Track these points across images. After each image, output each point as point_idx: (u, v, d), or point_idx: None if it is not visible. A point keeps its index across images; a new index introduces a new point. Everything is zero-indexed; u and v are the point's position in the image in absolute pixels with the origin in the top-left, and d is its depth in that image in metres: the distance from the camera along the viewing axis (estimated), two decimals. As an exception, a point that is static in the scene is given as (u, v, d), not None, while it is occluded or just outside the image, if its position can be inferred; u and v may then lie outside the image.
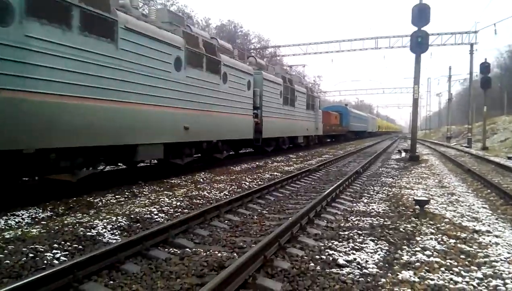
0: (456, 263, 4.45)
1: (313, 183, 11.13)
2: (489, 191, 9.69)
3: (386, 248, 5.01)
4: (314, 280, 3.93)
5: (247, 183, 10.43)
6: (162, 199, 7.81)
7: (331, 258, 4.55)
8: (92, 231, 5.47)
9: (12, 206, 6.74)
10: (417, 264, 4.43)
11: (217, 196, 8.54)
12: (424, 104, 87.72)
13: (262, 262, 4.30)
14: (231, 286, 3.61)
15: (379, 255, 4.73)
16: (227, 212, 7.03)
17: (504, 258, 4.65)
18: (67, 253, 4.63)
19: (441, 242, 5.26)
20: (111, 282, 3.90)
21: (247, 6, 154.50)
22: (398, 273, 4.14)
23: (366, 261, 4.49)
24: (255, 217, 6.91)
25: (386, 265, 4.42)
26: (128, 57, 8.79)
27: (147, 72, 9.46)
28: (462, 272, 4.18)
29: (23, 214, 6.37)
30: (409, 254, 4.78)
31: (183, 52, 10.96)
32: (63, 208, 7.00)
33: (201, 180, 10.87)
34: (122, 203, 7.61)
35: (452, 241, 5.33)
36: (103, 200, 7.76)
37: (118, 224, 5.88)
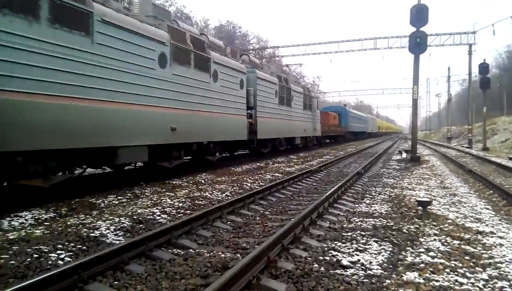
0: (460, 264, 4.45)
1: (314, 184, 11.13)
2: (491, 191, 9.68)
3: (390, 249, 5.01)
4: (318, 281, 3.93)
5: (249, 184, 10.42)
6: (164, 200, 7.81)
7: (335, 259, 4.55)
8: (95, 232, 5.47)
9: (15, 207, 6.73)
10: (422, 265, 4.42)
11: (219, 197, 8.54)
12: (423, 104, 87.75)
13: (265, 263, 4.29)
14: (236, 287, 3.61)
15: (383, 256, 4.73)
16: (229, 213, 7.03)
17: (509, 259, 4.64)
18: (71, 253, 4.64)
19: (445, 243, 5.25)
20: (116, 282, 3.90)
21: (246, 7, 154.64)
22: (403, 274, 4.13)
23: (370, 262, 4.48)
24: (258, 218, 6.90)
25: (391, 266, 4.41)
26: (105, 52, 8.19)
27: (128, 68, 8.85)
28: (467, 273, 4.17)
29: (26, 215, 6.36)
30: (413, 255, 4.78)
31: (168, 48, 10.34)
32: (65, 209, 6.99)
33: (203, 181, 10.86)
34: (124, 204, 7.61)
35: (456, 242, 5.32)
36: (105, 201, 7.76)
37: (121, 225, 5.88)
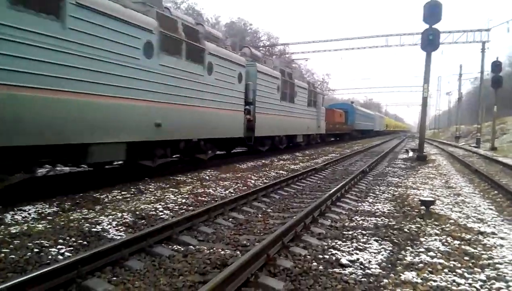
0: (459, 265, 4.43)
1: (318, 181, 11.12)
2: (496, 192, 9.61)
3: (390, 248, 5.00)
4: (316, 280, 3.94)
5: (253, 181, 10.44)
6: (167, 196, 7.85)
7: (334, 258, 4.56)
8: (97, 227, 5.52)
9: (19, 201, 6.81)
10: (420, 265, 4.42)
11: (222, 193, 8.56)
12: (433, 103, 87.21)
13: (265, 260, 4.31)
14: (233, 284, 3.63)
15: (382, 255, 4.73)
16: (231, 210, 7.05)
17: (509, 260, 4.62)
18: (71, 248, 4.68)
19: (445, 243, 5.23)
20: (115, 278, 3.93)
21: (257, 4, 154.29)
22: (401, 274, 4.13)
23: (369, 261, 4.49)
24: (260, 215, 6.91)
25: (389, 265, 4.41)
26: (79, 39, 7.37)
27: (105, 57, 8.03)
28: (465, 274, 4.16)
29: (29, 209, 6.43)
30: (412, 254, 4.77)
31: (156, 36, 9.47)
32: (69, 203, 7.06)
33: (207, 177, 10.90)
34: (128, 199, 7.66)
35: (456, 242, 5.30)
36: (109, 196, 7.82)
37: (123, 220, 5.92)
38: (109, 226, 5.62)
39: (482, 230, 5.93)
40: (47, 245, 4.65)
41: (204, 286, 3.31)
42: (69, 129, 7.33)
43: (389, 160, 18.95)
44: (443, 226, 6.11)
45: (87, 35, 7.57)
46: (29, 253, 4.36)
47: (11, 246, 4.56)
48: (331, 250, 4.87)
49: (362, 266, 4.35)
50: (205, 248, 4.90)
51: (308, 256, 4.62)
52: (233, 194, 8.43)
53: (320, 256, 4.62)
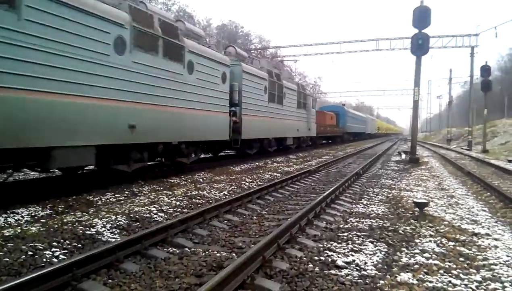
0: (455, 266, 4.45)
1: (312, 184, 11.13)
2: (488, 193, 9.68)
3: (385, 250, 5.01)
4: (312, 281, 3.93)
5: (247, 183, 10.43)
6: (161, 198, 7.82)
7: (330, 260, 4.55)
8: (92, 229, 5.48)
9: (12, 204, 6.74)
10: (416, 266, 4.43)
11: (216, 196, 8.54)
12: (424, 106, 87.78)
13: (261, 262, 4.30)
14: (229, 286, 3.61)
15: (378, 256, 4.73)
16: (226, 212, 7.03)
17: (503, 261, 4.65)
18: (66, 251, 4.64)
19: (440, 245, 5.26)
20: (110, 280, 3.90)
21: (249, 7, 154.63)
22: (397, 275, 4.14)
23: (365, 263, 4.49)
24: (255, 217, 6.91)
25: (385, 267, 4.42)
26: (37, 32, 6.72)
27: (69, 52, 7.35)
28: (461, 275, 4.18)
29: (22, 212, 6.37)
30: (408, 256, 4.79)
31: (128, 31, 8.81)
32: (62, 206, 7.00)
33: (201, 179, 10.87)
34: (122, 202, 7.61)
35: (451, 243, 5.33)
36: (103, 199, 7.77)
37: (118, 223, 5.89)
38: (103, 229, 5.58)
39: (476, 231, 5.97)
40: (41, 247, 4.60)
41: (200, 288, 3.29)
42: (28, 132, 6.68)
43: (382, 162, 19.04)
44: (438, 228, 6.14)
45: (46, 27, 6.91)
46: (23, 256, 4.31)
47: (4, 249, 4.51)
48: (327, 251, 4.87)
49: (358, 268, 4.35)
50: (201, 250, 4.88)
51: (304, 258, 4.62)
52: (227, 196, 8.41)
53: (316, 258, 4.61)
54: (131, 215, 6.34)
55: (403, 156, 21.23)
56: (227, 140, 14.19)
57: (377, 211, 7.39)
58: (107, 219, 6.01)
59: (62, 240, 4.92)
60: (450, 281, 4.00)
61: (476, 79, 37.45)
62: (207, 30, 49.56)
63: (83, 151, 7.85)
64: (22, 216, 6.17)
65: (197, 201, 7.90)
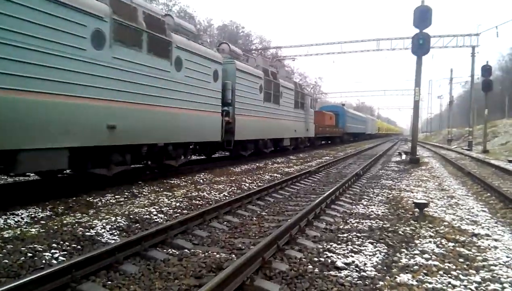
0: (454, 267, 4.45)
1: (313, 184, 11.13)
2: (489, 194, 9.68)
3: (385, 250, 5.01)
4: (312, 283, 3.93)
5: (247, 184, 10.43)
6: (161, 200, 7.82)
7: (329, 261, 4.55)
8: (91, 231, 5.48)
9: (12, 205, 6.74)
10: (416, 267, 4.43)
11: (216, 197, 8.54)
12: (425, 106, 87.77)
13: (260, 263, 4.30)
14: (229, 288, 3.61)
15: (377, 257, 4.73)
16: (226, 213, 7.03)
17: (503, 262, 4.65)
18: (65, 253, 4.64)
19: (439, 245, 5.26)
20: (109, 282, 3.90)
21: (249, 7, 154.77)
22: (396, 276, 4.14)
23: (365, 264, 4.49)
24: (254, 218, 6.90)
25: (385, 268, 4.41)
26: (1, 23, 6.14)
27: (37, 46, 6.71)
28: (461, 276, 4.18)
29: (22, 213, 6.37)
30: (407, 257, 4.78)
31: (108, 24, 8.20)
32: (62, 207, 7.00)
33: (201, 180, 10.87)
34: (122, 203, 7.61)
35: (451, 244, 5.33)
36: (103, 200, 7.77)
37: (117, 224, 5.89)
38: (103, 230, 5.58)
39: (476, 232, 5.96)
40: (41, 249, 4.61)
41: (199, 290, 3.30)
42: None
43: (383, 162, 19.03)
44: (437, 228, 6.13)
45: (11, 18, 6.30)
46: (22, 258, 4.31)
47: (4, 250, 4.51)
48: (327, 252, 4.87)
49: (357, 269, 4.35)
50: (200, 251, 4.88)
51: (304, 259, 4.62)
52: (227, 197, 8.41)
53: (316, 259, 4.61)
54: (131, 216, 6.34)
55: (404, 157, 21.22)
56: (219, 141, 13.62)
57: (377, 211, 7.38)
58: (106, 220, 6.01)
59: (61, 242, 4.93)
60: (449, 282, 4.00)
61: (477, 79, 37.44)
62: (208, 30, 49.64)
63: (54, 154, 7.18)
64: (21, 218, 6.17)
65: (197, 202, 7.90)
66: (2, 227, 5.63)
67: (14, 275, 3.93)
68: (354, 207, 7.90)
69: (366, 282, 3.98)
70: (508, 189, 10.21)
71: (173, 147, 11.10)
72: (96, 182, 9.10)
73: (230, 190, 9.44)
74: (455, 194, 9.72)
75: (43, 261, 4.30)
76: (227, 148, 14.75)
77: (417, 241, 5.44)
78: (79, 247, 4.89)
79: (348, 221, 6.61)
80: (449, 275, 4.19)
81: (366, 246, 5.17)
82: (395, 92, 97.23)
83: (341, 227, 6.23)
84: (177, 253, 4.87)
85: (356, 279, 4.06)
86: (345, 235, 5.70)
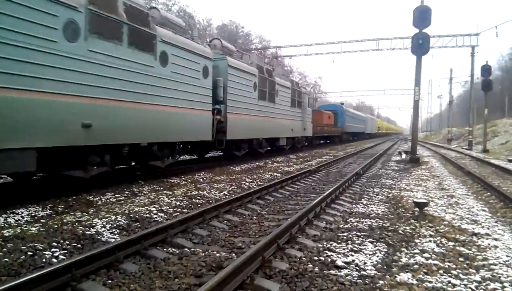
0: (454, 266, 4.45)
1: (312, 183, 11.13)
2: (489, 193, 9.68)
3: (385, 250, 5.01)
4: (312, 282, 3.93)
5: (247, 183, 10.43)
6: (161, 199, 7.82)
7: (329, 260, 4.55)
8: (91, 229, 5.48)
9: (12, 204, 6.74)
10: (416, 266, 4.43)
11: (216, 196, 8.54)
12: (425, 106, 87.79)
13: (260, 262, 4.30)
14: (229, 287, 3.61)
15: (377, 257, 4.73)
16: (226, 212, 7.03)
17: (503, 261, 4.65)
18: (65, 251, 4.64)
19: (439, 245, 5.26)
20: (109, 281, 3.90)
21: (249, 7, 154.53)
22: (396, 275, 4.14)
23: (365, 263, 4.49)
24: (254, 217, 6.91)
25: (385, 267, 4.42)
26: None
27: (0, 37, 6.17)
28: (461, 275, 4.18)
29: (22, 212, 6.38)
30: (407, 256, 4.78)
31: (83, 15, 7.61)
32: (62, 206, 7.01)
33: (201, 179, 10.87)
34: (122, 202, 7.62)
35: (451, 243, 5.33)
36: (103, 199, 7.77)
37: (117, 223, 5.89)
38: (103, 229, 5.58)
39: (476, 231, 5.96)
40: (41, 248, 4.61)
41: (199, 289, 3.30)
42: None
43: (383, 162, 19.03)
44: (437, 228, 6.13)
45: None
46: (22, 256, 4.31)
47: (4, 249, 4.51)
48: (327, 251, 4.87)
49: (357, 268, 4.35)
50: (200, 250, 4.88)
51: (304, 258, 4.62)
52: (227, 196, 8.41)
53: (316, 258, 4.61)
54: (131, 215, 6.35)
55: (404, 156, 21.23)
56: (210, 141, 13.02)
57: (377, 211, 7.39)
58: (107, 219, 6.01)
59: (61, 240, 4.93)
60: (449, 281, 4.00)
61: (477, 79, 37.46)
62: (208, 30, 49.62)
63: (19, 155, 6.57)
64: (22, 216, 6.18)
65: (197, 201, 7.90)
66: (2, 225, 5.64)
67: (14, 273, 3.94)
68: (354, 206, 7.90)
69: (366, 281, 3.99)
70: (508, 188, 10.21)
71: (158, 146, 10.50)
72: (96, 181, 9.09)
73: (230, 189, 9.45)
74: (455, 193, 9.72)
75: (43, 260, 4.31)
76: (219, 147, 14.27)
77: (417, 240, 5.45)
78: (79, 245, 4.89)
79: (348, 220, 6.61)
80: (449, 274, 4.19)
81: (366, 245, 5.17)
82: (395, 91, 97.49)
83: (341, 226, 6.23)
84: (177, 252, 4.87)
85: (356, 278, 4.06)
86: (345, 234, 5.70)
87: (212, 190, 9.02)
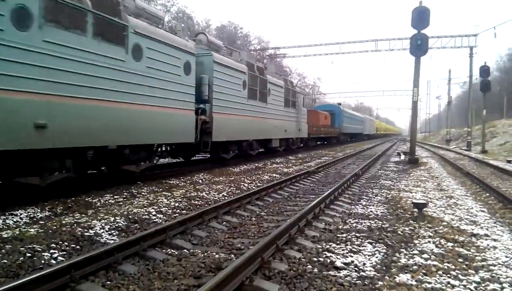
0: (453, 267, 4.45)
1: (312, 185, 11.13)
2: (487, 194, 9.69)
3: (384, 250, 5.01)
4: (311, 282, 3.93)
5: (246, 184, 10.43)
6: (160, 200, 7.81)
7: (328, 261, 4.55)
8: (90, 231, 5.47)
9: (10, 205, 6.73)
10: (415, 267, 4.43)
11: (215, 197, 8.54)
12: (423, 107, 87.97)
13: (259, 263, 4.30)
14: (228, 288, 3.61)
15: (376, 257, 4.73)
16: (225, 213, 7.02)
17: (502, 262, 4.66)
18: (64, 253, 4.63)
19: (439, 245, 5.26)
20: (108, 282, 3.90)
21: (248, 8, 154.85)
22: (396, 276, 4.14)
23: (364, 264, 4.49)
24: (253, 218, 6.90)
25: (384, 268, 4.42)
26: None
27: None
28: (460, 276, 4.18)
29: (21, 214, 6.36)
30: (406, 257, 4.78)
31: (37, 1, 6.67)
32: (61, 207, 7.00)
33: (200, 181, 10.87)
34: (121, 203, 7.61)
35: (450, 244, 5.33)
36: (102, 200, 7.76)
37: (116, 225, 5.88)
38: (102, 230, 5.57)
39: (475, 232, 5.97)
40: (40, 249, 4.60)
41: (198, 290, 3.30)
42: None
43: (381, 163, 19.05)
44: (436, 228, 6.14)
45: None
46: (21, 258, 4.31)
47: (3, 250, 4.50)
48: (326, 252, 4.87)
49: (356, 269, 4.35)
50: (199, 251, 4.88)
51: (303, 259, 4.62)
52: (226, 198, 8.41)
53: (315, 259, 4.61)
54: (130, 217, 6.34)
55: (402, 157, 21.24)
56: (192, 143, 12.09)
57: (376, 211, 7.39)
58: (105, 221, 6.00)
59: (60, 242, 4.92)
60: (449, 282, 4.00)
61: (475, 80, 37.53)
62: (207, 31, 49.60)
63: None
64: (20, 218, 6.16)
65: (196, 202, 7.90)
66: (1, 227, 5.62)
67: (13, 275, 3.93)
68: (353, 207, 7.90)
69: (365, 282, 3.98)
70: (507, 189, 10.23)
71: (131, 149, 9.46)
72: (94, 183, 9.09)
73: (229, 190, 9.44)
74: (454, 194, 9.73)
75: (42, 261, 4.30)
76: (204, 150, 13.27)
77: (416, 241, 5.45)
78: (78, 247, 4.88)
79: (347, 221, 6.61)
80: (448, 275, 4.19)
81: (365, 246, 5.17)
82: (393, 92, 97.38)
83: (340, 227, 6.23)
84: (176, 253, 4.87)
85: (355, 279, 4.05)
86: (344, 235, 5.70)
87: (211, 191, 9.02)
